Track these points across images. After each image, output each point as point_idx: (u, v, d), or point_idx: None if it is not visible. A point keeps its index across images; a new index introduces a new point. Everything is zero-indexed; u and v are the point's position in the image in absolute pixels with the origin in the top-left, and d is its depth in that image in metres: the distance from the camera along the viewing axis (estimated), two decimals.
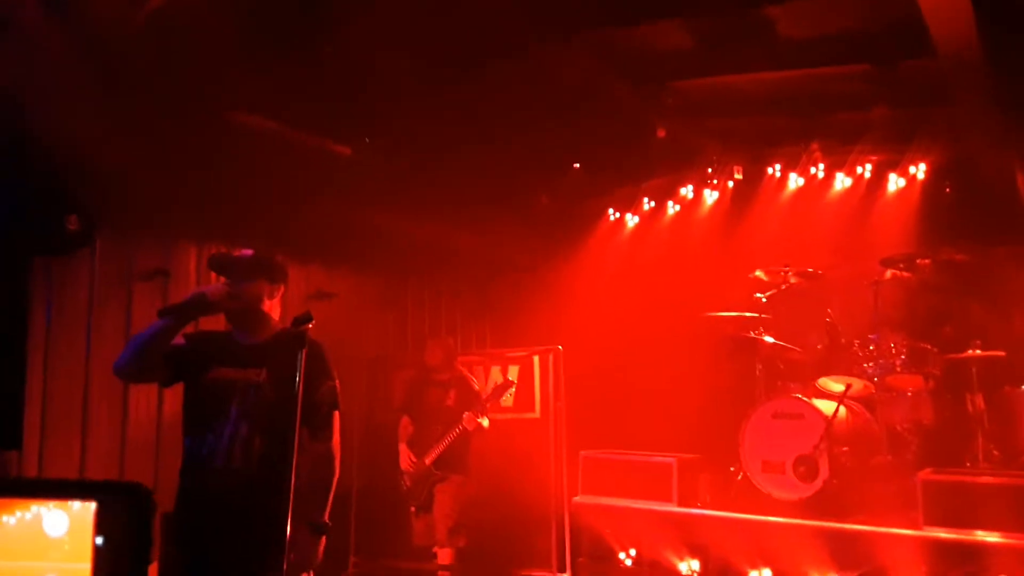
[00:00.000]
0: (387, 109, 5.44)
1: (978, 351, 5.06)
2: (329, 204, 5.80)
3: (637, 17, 5.18)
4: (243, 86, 4.87)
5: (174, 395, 3.38)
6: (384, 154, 5.93)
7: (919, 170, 6.22)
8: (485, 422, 5.28)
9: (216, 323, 3.13)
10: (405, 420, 5.54)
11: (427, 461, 5.28)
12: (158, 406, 5.13)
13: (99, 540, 1.72)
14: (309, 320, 3.27)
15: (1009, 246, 5.69)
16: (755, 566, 4.67)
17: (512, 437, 5.73)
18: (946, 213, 6.06)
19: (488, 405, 5.31)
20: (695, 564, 4.89)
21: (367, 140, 5.87)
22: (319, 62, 4.86)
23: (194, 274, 5.55)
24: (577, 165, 6.70)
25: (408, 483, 5.35)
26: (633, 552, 5.17)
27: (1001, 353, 5.09)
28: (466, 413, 5.20)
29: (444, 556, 5.24)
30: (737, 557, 4.71)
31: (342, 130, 5.80)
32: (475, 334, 7.31)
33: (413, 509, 5.39)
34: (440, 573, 5.18)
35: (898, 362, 5.16)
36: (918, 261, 5.46)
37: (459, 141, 5.88)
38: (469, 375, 5.64)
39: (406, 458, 5.38)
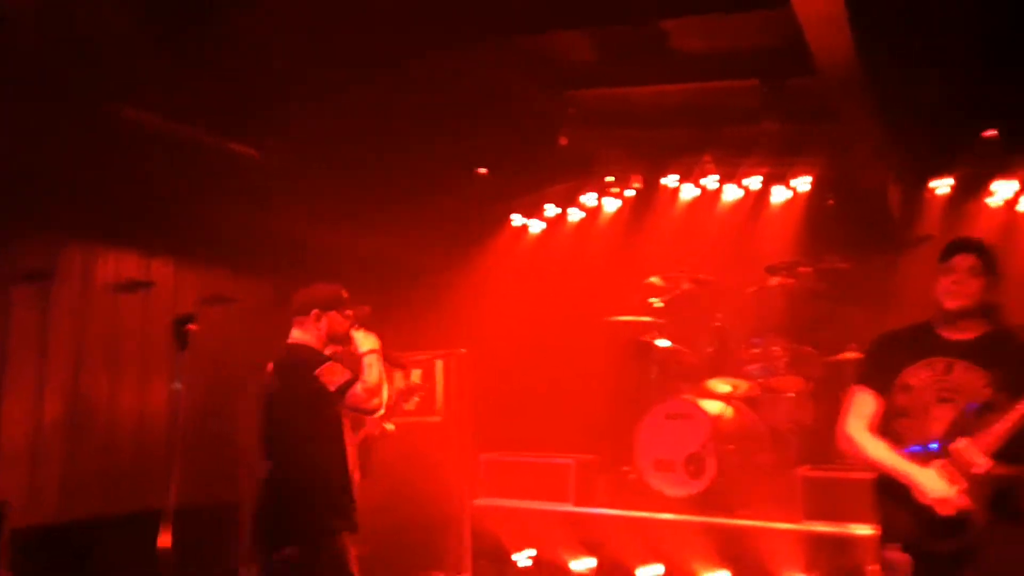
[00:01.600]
0: (291, 109, 5.36)
1: (853, 354, 5.39)
2: (231, 206, 5.65)
3: (542, 25, 5.30)
4: (136, 80, 4.70)
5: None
6: (288, 155, 5.82)
7: (803, 183, 6.58)
8: (390, 427, 5.24)
9: None
10: None
11: None
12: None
13: None
14: (188, 321, 3.22)
15: (883, 255, 6.10)
16: (647, 562, 4.83)
17: (414, 441, 5.72)
18: (827, 224, 6.45)
19: (393, 409, 5.27)
20: (591, 562, 5.02)
21: (270, 143, 5.75)
22: (217, 59, 4.74)
23: (79, 277, 5.30)
24: (482, 169, 6.77)
25: None
26: (532, 553, 5.26)
27: None
28: (371, 417, 5.15)
29: None
30: (631, 554, 4.86)
31: (246, 131, 5.66)
32: (378, 337, 7.24)
33: None
34: None
35: (781, 365, 5.46)
36: (800, 269, 5.78)
37: (364, 142, 5.84)
38: None
39: None
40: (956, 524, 2.43)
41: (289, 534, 3.27)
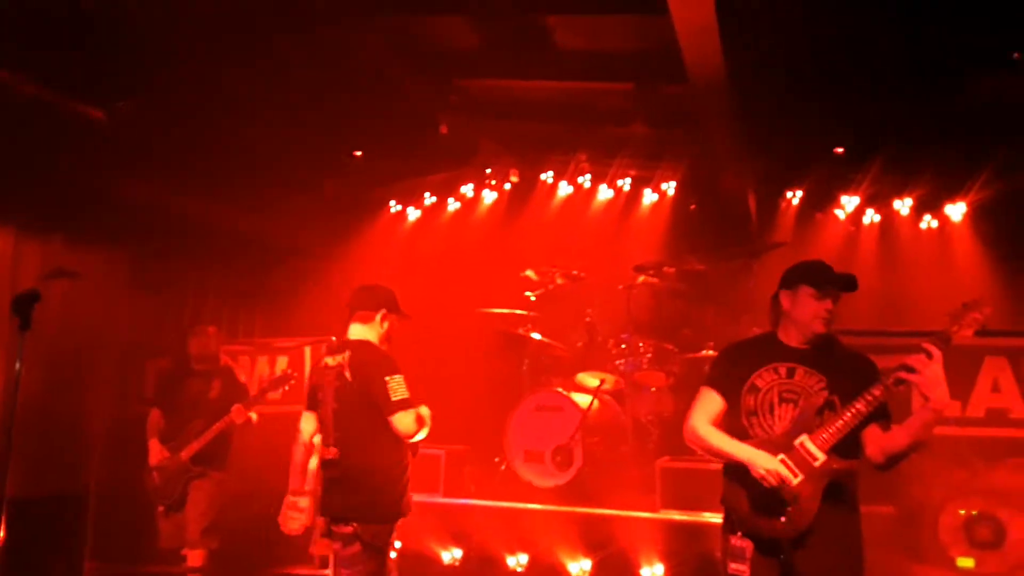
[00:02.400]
0: (148, 70, 5.00)
1: (711, 351, 5.70)
2: (79, 172, 5.20)
3: (425, 8, 5.24)
4: None
5: None
6: (144, 121, 5.43)
7: (670, 186, 6.88)
8: (253, 416, 5.04)
9: None
10: (156, 413, 5.12)
11: (183, 456, 4.93)
12: None
13: None
14: (33, 299, 2.98)
15: (740, 259, 6.46)
16: (514, 552, 4.91)
17: (277, 431, 5.51)
18: (691, 227, 6.78)
19: (260, 397, 5.07)
20: (458, 553, 5.04)
21: (121, 104, 5.34)
22: (62, 9, 4.35)
23: None
24: (358, 153, 6.61)
25: (158, 480, 4.96)
26: (398, 544, 5.20)
27: None
28: (235, 405, 4.92)
29: (194, 558, 4.93)
30: (498, 544, 4.92)
31: (94, 91, 5.22)
32: (244, 322, 6.93)
33: (161, 509, 5.00)
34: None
35: (645, 360, 5.68)
36: (665, 269, 6.04)
37: (234, 114, 5.56)
38: (234, 366, 5.34)
39: (157, 454, 4.98)
40: (787, 502, 2.68)
41: (354, 512, 3.63)
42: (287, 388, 5.15)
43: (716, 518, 4.52)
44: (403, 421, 3.62)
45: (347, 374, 3.71)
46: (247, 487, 5.31)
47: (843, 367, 2.84)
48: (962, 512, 4.52)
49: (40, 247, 5.48)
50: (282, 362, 5.82)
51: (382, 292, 3.95)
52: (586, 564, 4.74)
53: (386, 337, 3.91)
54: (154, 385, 5.42)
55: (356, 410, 3.64)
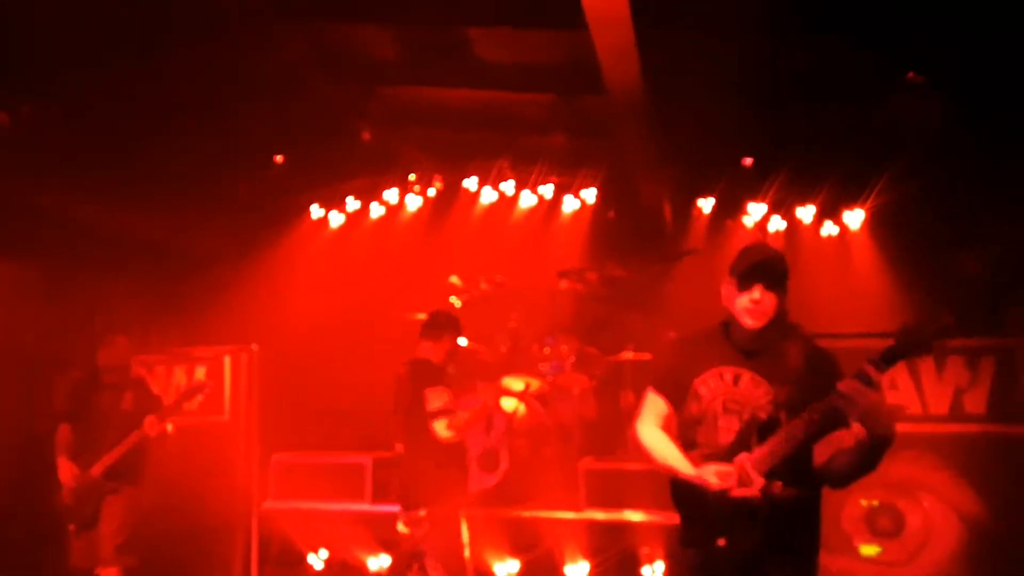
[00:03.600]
0: (66, 75, 4.81)
1: (631, 354, 5.88)
2: None
3: (347, 15, 5.22)
4: None
5: None
6: (53, 125, 5.21)
7: (590, 194, 7.05)
8: (170, 427, 4.88)
9: None
10: (64, 428, 4.90)
11: (94, 472, 4.73)
12: None
13: None
14: None
15: (658, 265, 6.68)
16: None
17: (196, 443, 5.39)
18: (611, 234, 6.96)
19: (175, 408, 4.91)
20: (385, 560, 5.04)
21: (25, 108, 5.11)
22: None
23: None
24: (279, 158, 6.51)
25: (69, 499, 4.75)
26: (325, 554, 5.17)
27: (649, 355, 5.97)
28: (148, 417, 4.75)
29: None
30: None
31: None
32: (159, 332, 6.70)
33: (72, 528, 4.79)
34: None
35: (568, 363, 5.82)
36: (587, 275, 6.19)
37: (148, 118, 5.39)
38: (146, 376, 5.17)
39: (67, 471, 4.75)
40: (729, 526, 2.48)
41: (422, 497, 4.26)
42: (201, 398, 4.99)
43: (638, 516, 4.71)
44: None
45: (408, 382, 4.61)
46: (165, 501, 5.16)
47: (793, 374, 2.53)
48: (864, 503, 4.78)
49: None
50: (200, 372, 5.67)
51: (454, 319, 4.75)
52: (513, 566, 4.82)
53: (445, 356, 4.71)
54: (63, 398, 5.17)
55: (415, 411, 4.47)
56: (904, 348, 2.34)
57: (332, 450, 5.55)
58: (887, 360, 2.34)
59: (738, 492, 2.44)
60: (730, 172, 6.59)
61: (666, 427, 2.74)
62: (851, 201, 6.50)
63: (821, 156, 6.08)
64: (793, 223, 6.86)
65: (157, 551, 5.06)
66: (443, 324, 4.68)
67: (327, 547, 5.16)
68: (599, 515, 4.86)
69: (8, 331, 5.33)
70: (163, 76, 5.12)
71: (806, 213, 6.78)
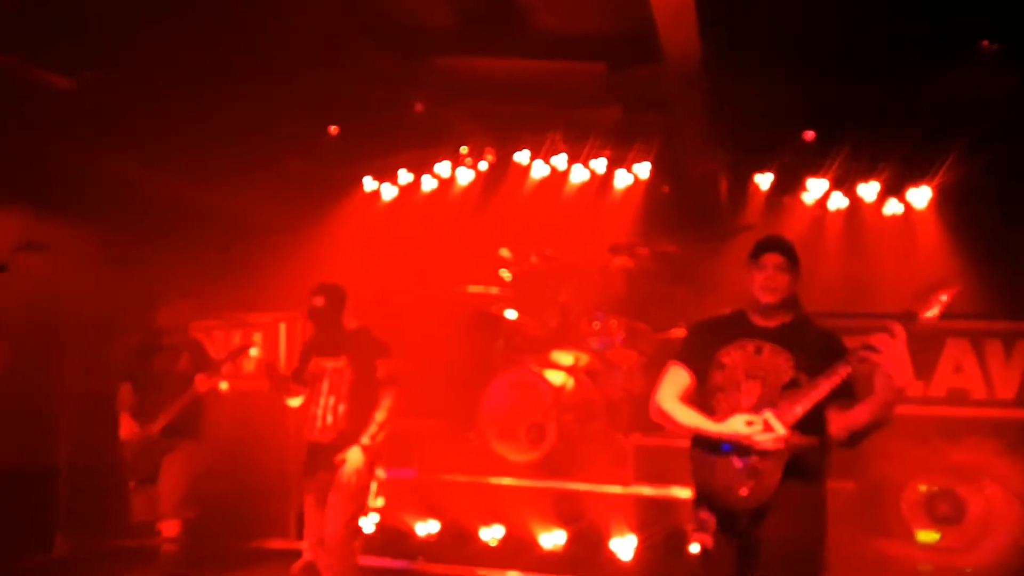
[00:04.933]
0: (127, 41, 4.90)
1: (681, 331, 5.79)
2: (49, 143, 5.09)
3: None
4: None
5: None
6: (115, 91, 5.32)
7: (643, 168, 6.94)
8: (224, 385, 5.00)
9: None
10: (126, 388, 5.07)
11: (153, 430, 4.89)
12: None
13: None
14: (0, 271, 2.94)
15: (711, 241, 6.56)
16: (488, 525, 4.99)
17: (253, 406, 5.52)
18: (664, 209, 6.85)
19: (224, 368, 5.02)
20: (433, 526, 5.10)
21: (92, 74, 5.23)
22: None
23: None
24: (334, 129, 6.55)
25: (129, 454, 4.92)
26: (375, 517, 5.26)
27: None
28: (199, 375, 4.88)
29: (169, 528, 4.90)
30: (473, 517, 5.00)
31: (62, 59, 5.11)
32: (216, 297, 6.85)
33: (133, 483, 4.96)
34: (165, 547, 4.85)
35: (618, 339, 5.77)
36: (638, 250, 6.12)
37: (207, 87, 5.47)
38: (203, 340, 5.30)
39: (128, 428, 4.94)
40: (749, 476, 2.73)
41: None
42: (256, 354, 5.14)
43: (686, 492, 4.65)
44: None
45: None
46: (225, 459, 5.30)
47: (811, 346, 2.85)
48: (923, 488, 4.68)
49: (8, 220, 5.37)
50: (257, 337, 5.79)
51: None
52: (559, 537, 4.84)
53: None
54: (124, 359, 5.34)
55: None
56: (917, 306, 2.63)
57: None
58: (909, 319, 2.60)
59: (764, 441, 2.70)
60: (790, 147, 6.41)
61: (685, 399, 2.96)
62: (917, 178, 6.27)
63: (886, 130, 5.86)
64: (855, 201, 6.66)
65: (216, 507, 5.22)
66: None
67: (377, 511, 5.24)
68: (646, 490, 4.84)
69: (73, 295, 5.50)
70: (221, 45, 5.18)
71: (869, 190, 6.58)
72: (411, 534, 5.10)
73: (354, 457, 3.95)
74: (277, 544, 5.52)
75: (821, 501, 2.85)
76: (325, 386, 4.10)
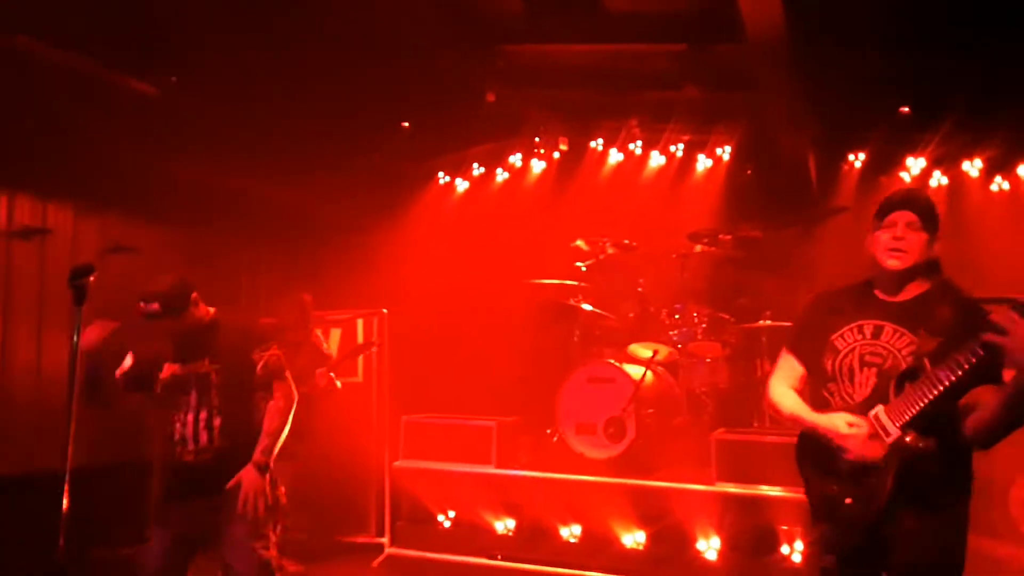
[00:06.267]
0: (204, 48, 5.03)
1: (768, 321, 5.54)
2: (131, 148, 5.28)
3: None
4: (32, 8, 4.31)
5: None
6: (198, 98, 5.47)
7: (724, 152, 6.68)
8: (339, 383, 5.04)
9: None
10: None
11: None
12: None
13: None
14: (86, 273, 3.00)
15: (798, 226, 6.26)
16: (567, 523, 4.89)
17: (334, 402, 5.57)
18: (747, 193, 6.57)
19: (342, 363, 5.07)
20: (511, 523, 5.04)
21: (174, 80, 5.38)
22: None
23: None
24: (406, 124, 6.57)
25: None
26: (452, 514, 5.24)
27: (788, 323, 5.60)
28: (319, 370, 4.90)
29: None
30: (551, 515, 4.91)
31: (148, 68, 5.29)
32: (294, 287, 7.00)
33: None
34: None
35: (699, 330, 5.56)
36: (720, 237, 5.87)
37: (281, 90, 5.56)
38: (320, 336, 5.30)
39: None
40: (856, 482, 2.39)
41: None
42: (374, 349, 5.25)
43: (773, 491, 4.44)
44: None
45: None
46: (315, 454, 5.35)
47: (940, 327, 2.37)
48: None
49: (98, 223, 5.59)
50: (335, 334, 5.85)
51: None
52: (640, 536, 4.69)
53: None
54: None
55: None
56: None
57: (459, 412, 5.59)
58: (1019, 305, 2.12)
59: (861, 448, 2.36)
60: (885, 123, 6.03)
61: (799, 388, 2.67)
62: None
63: (991, 104, 5.42)
64: (958, 178, 6.23)
65: (302, 498, 5.29)
66: None
67: (454, 507, 5.22)
68: (732, 488, 4.62)
69: None
70: (294, 47, 5.24)
71: (972, 167, 6.13)
72: (489, 530, 5.05)
73: (250, 480, 3.16)
74: (359, 539, 5.57)
75: (953, 511, 2.40)
76: (192, 398, 3.24)
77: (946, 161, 6.22)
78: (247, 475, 3.18)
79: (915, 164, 6.24)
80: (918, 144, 6.11)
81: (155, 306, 3.22)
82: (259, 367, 3.29)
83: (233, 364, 3.27)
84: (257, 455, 3.21)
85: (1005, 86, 5.15)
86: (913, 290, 2.50)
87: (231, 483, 3.17)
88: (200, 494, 3.19)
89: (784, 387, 2.66)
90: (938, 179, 6.27)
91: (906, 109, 5.81)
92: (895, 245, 2.45)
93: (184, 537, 3.23)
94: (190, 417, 3.23)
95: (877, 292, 2.55)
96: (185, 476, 3.21)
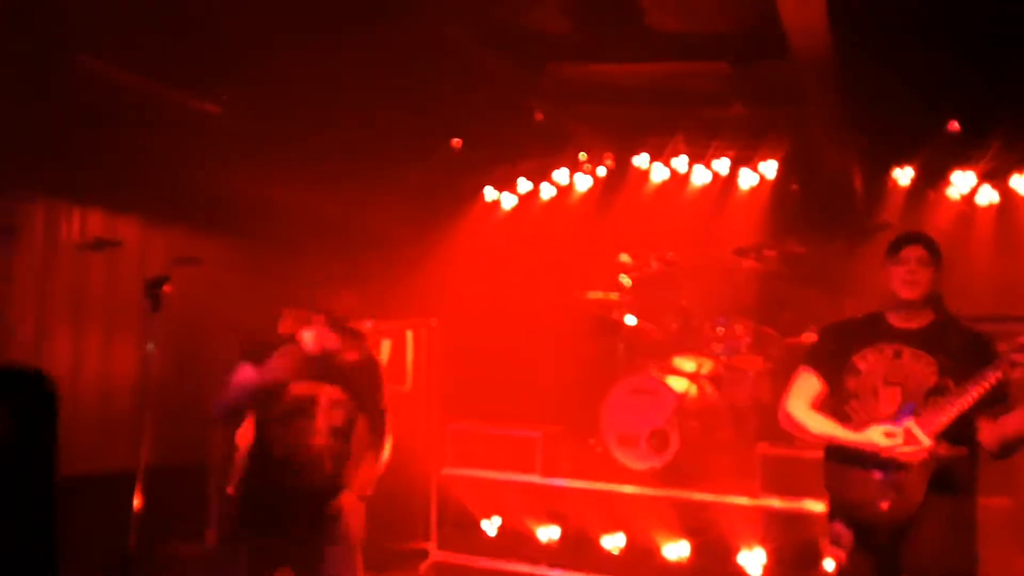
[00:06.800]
0: (259, 66, 5.25)
1: (813, 336, 5.54)
2: (194, 164, 5.54)
3: None
4: (100, 32, 4.57)
5: None
6: (254, 114, 5.71)
7: (769, 167, 6.70)
8: None
9: None
10: None
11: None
12: None
13: None
14: (163, 282, 3.19)
15: (843, 241, 6.25)
16: (611, 532, 4.96)
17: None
18: (792, 208, 6.58)
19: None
20: (555, 532, 5.12)
21: (226, 98, 5.62)
22: (183, 13, 4.63)
23: (43, 234, 5.17)
24: (457, 141, 6.73)
25: None
26: (498, 521, 5.34)
27: None
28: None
29: None
30: (594, 524, 4.98)
31: (209, 87, 5.54)
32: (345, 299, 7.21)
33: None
34: None
35: (743, 345, 5.59)
36: (765, 252, 5.90)
37: (335, 106, 5.76)
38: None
39: None
40: (890, 490, 2.58)
41: None
42: None
43: (819, 506, 4.45)
44: None
45: None
46: None
47: (957, 349, 2.65)
48: None
49: (164, 235, 5.87)
50: (386, 344, 6.01)
51: None
52: (684, 548, 4.74)
53: None
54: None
55: None
56: None
57: (505, 422, 5.70)
58: None
59: (905, 453, 2.52)
60: (932, 138, 6.00)
61: (817, 406, 2.80)
62: None
63: None
64: (1007, 194, 6.16)
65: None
66: None
67: (500, 514, 5.32)
68: (776, 502, 4.64)
69: (223, 304, 5.92)
70: (347, 65, 5.44)
71: (1022, 182, 6.06)
72: (533, 538, 5.14)
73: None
74: (406, 545, 5.69)
75: (971, 517, 2.66)
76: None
77: (995, 176, 6.16)
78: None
79: (963, 179, 6.18)
80: (966, 159, 6.06)
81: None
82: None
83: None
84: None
85: None
86: (925, 318, 2.75)
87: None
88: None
89: (805, 408, 2.80)
90: (987, 195, 6.20)
91: (956, 126, 5.78)
92: (910, 278, 2.70)
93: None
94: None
95: (891, 320, 2.78)
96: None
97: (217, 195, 5.90)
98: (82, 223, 5.45)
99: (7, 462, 1.06)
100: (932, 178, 6.30)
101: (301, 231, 6.56)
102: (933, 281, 2.73)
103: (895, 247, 2.78)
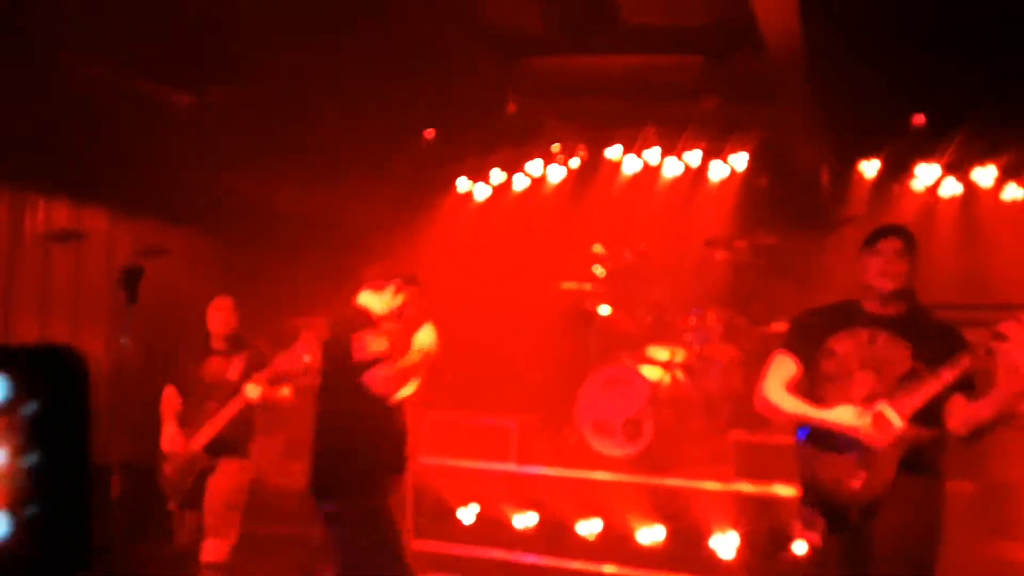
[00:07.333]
0: (231, 59, 5.20)
1: (783, 325, 5.63)
2: (168, 156, 5.46)
3: None
4: (70, 22, 4.48)
5: None
6: (224, 107, 5.65)
7: (740, 160, 6.78)
8: (286, 391, 4.32)
9: None
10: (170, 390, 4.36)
11: (193, 446, 4.06)
12: None
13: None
14: (139, 274, 3.15)
15: (812, 232, 6.36)
16: (586, 518, 5.00)
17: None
18: (762, 200, 6.68)
19: (277, 379, 4.17)
20: (532, 519, 5.16)
21: (197, 90, 5.55)
22: (158, 4, 4.56)
23: (7, 226, 5.06)
24: (430, 132, 6.72)
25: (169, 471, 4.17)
26: (475, 509, 5.36)
27: None
28: (247, 383, 4.11)
29: (213, 553, 4.00)
30: (570, 511, 5.03)
31: (180, 79, 5.46)
32: (318, 296, 7.15)
33: (174, 506, 4.09)
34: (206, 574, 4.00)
35: (715, 334, 5.67)
36: (736, 243, 5.99)
37: (308, 98, 5.72)
38: (263, 344, 4.45)
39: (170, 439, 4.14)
40: (862, 469, 2.63)
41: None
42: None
43: (790, 491, 4.54)
44: None
45: None
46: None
47: (930, 336, 2.70)
48: None
49: (132, 228, 5.77)
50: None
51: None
52: (659, 533, 4.80)
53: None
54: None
55: None
56: None
57: (480, 411, 5.71)
58: None
59: (876, 434, 2.59)
60: (898, 132, 6.13)
61: (792, 389, 2.82)
62: None
63: (1004, 111, 5.51)
64: (970, 187, 6.31)
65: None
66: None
67: (477, 502, 5.34)
68: (748, 487, 4.73)
69: (191, 296, 5.83)
70: (322, 60, 5.40)
71: (985, 175, 6.22)
72: (509, 526, 5.17)
73: None
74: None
75: (939, 497, 2.72)
76: None
77: (958, 169, 6.30)
78: None
79: (927, 172, 6.32)
80: (930, 152, 6.20)
81: None
82: None
83: None
84: None
85: (1018, 92, 5.24)
86: (899, 307, 2.78)
87: None
88: None
89: (781, 390, 2.82)
90: (950, 187, 6.35)
91: (921, 119, 5.91)
92: (887, 269, 2.73)
93: None
94: None
95: (867, 307, 2.80)
96: None
97: (187, 188, 5.82)
98: (47, 214, 5.34)
99: (43, 438, 1.06)
100: (897, 171, 6.43)
101: (273, 224, 6.51)
102: (909, 273, 2.76)
103: (872, 239, 2.80)
